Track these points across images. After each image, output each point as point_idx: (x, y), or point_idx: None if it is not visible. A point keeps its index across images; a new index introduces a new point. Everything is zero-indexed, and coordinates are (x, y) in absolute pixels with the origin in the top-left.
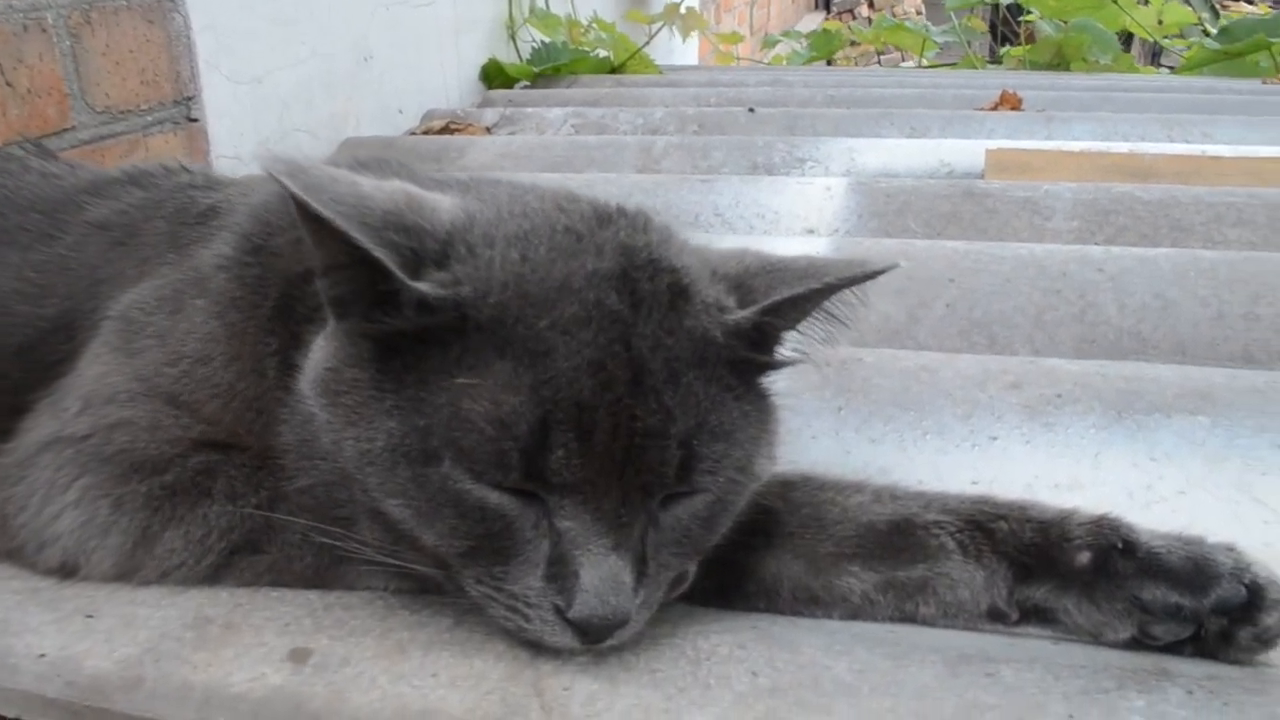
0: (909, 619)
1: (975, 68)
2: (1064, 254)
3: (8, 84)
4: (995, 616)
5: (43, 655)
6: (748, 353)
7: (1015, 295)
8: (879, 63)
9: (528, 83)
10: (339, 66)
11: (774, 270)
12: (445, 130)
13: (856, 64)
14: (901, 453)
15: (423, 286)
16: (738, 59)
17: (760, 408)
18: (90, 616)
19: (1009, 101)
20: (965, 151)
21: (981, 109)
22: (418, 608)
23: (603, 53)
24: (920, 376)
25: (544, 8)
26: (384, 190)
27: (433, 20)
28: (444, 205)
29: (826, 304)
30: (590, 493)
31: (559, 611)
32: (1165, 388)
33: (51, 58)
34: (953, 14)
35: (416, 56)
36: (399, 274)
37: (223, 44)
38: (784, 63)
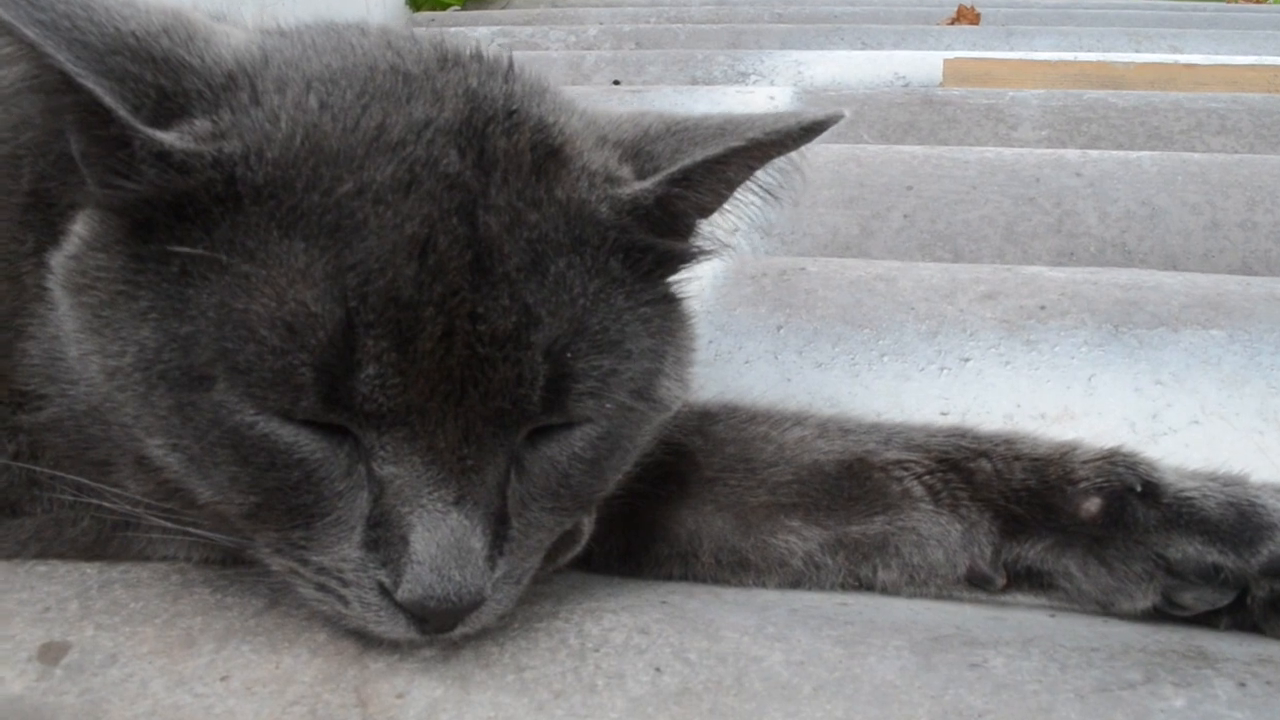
0: (865, 586)
1: None
2: (1035, 158)
3: None
4: (977, 582)
5: None
6: (647, 236)
7: (982, 204)
8: None
9: (459, 7)
10: None
11: (681, 131)
12: None
13: None
14: (854, 379)
15: (163, 136)
16: None
17: (666, 313)
18: None
19: (966, 16)
20: (921, 63)
21: (938, 25)
22: (223, 585)
23: None
24: (875, 288)
25: None
26: (137, 8)
27: None
28: (231, 40)
29: (756, 174)
30: (419, 425)
31: (384, 591)
32: (1169, 297)
33: None
34: None
35: None
36: (121, 113)
37: None
38: None
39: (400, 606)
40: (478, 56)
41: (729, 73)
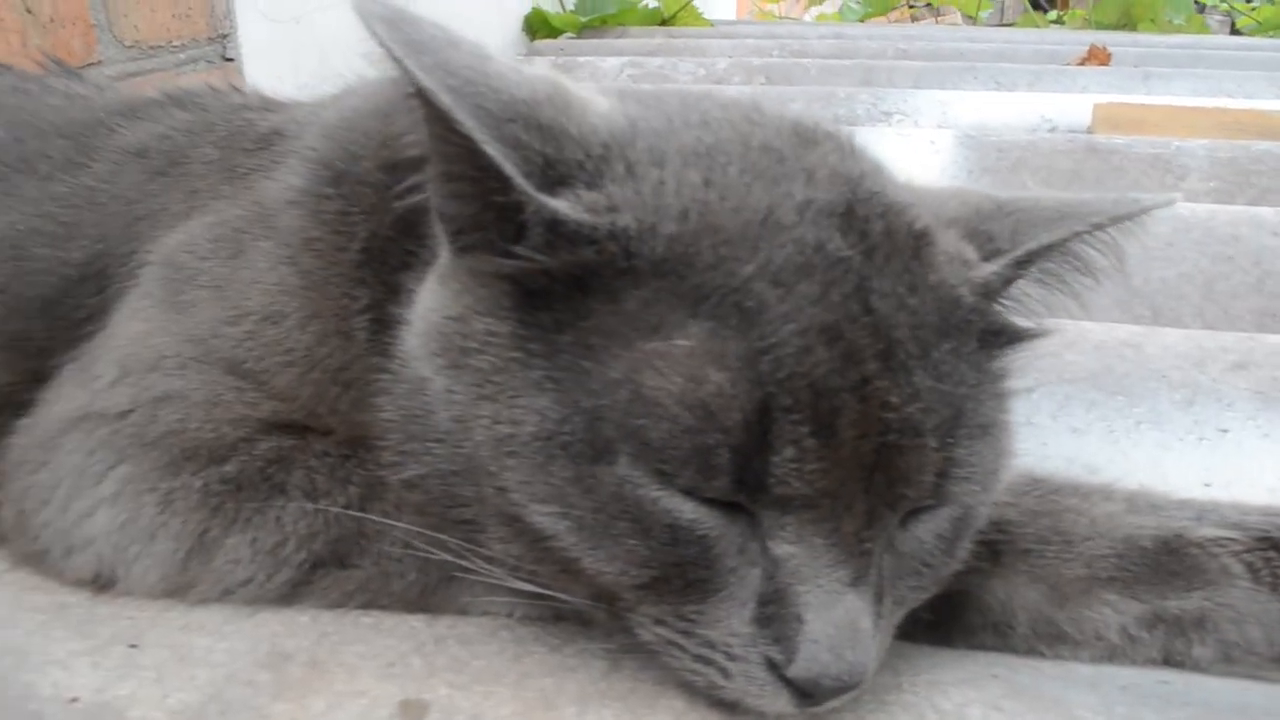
0: (1176, 663)
1: (1036, 26)
2: (1229, 215)
3: (28, 10)
4: None
5: (74, 700)
6: (999, 318)
7: (1179, 261)
8: (937, 21)
9: (573, 34)
10: None
11: (1015, 211)
12: None
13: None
14: (1113, 446)
15: (557, 205)
16: (779, 16)
17: (1005, 393)
18: (134, 647)
19: (1097, 56)
20: (1068, 106)
21: (1069, 64)
22: (555, 644)
23: (651, 3)
24: (1123, 354)
25: None
26: (521, 74)
27: None
28: (598, 106)
29: (1082, 253)
30: (828, 509)
31: (773, 667)
32: None
33: None
34: None
35: (458, 5)
36: (520, 181)
37: None
38: (827, 21)
39: (787, 682)
40: (828, 133)
41: (872, 112)
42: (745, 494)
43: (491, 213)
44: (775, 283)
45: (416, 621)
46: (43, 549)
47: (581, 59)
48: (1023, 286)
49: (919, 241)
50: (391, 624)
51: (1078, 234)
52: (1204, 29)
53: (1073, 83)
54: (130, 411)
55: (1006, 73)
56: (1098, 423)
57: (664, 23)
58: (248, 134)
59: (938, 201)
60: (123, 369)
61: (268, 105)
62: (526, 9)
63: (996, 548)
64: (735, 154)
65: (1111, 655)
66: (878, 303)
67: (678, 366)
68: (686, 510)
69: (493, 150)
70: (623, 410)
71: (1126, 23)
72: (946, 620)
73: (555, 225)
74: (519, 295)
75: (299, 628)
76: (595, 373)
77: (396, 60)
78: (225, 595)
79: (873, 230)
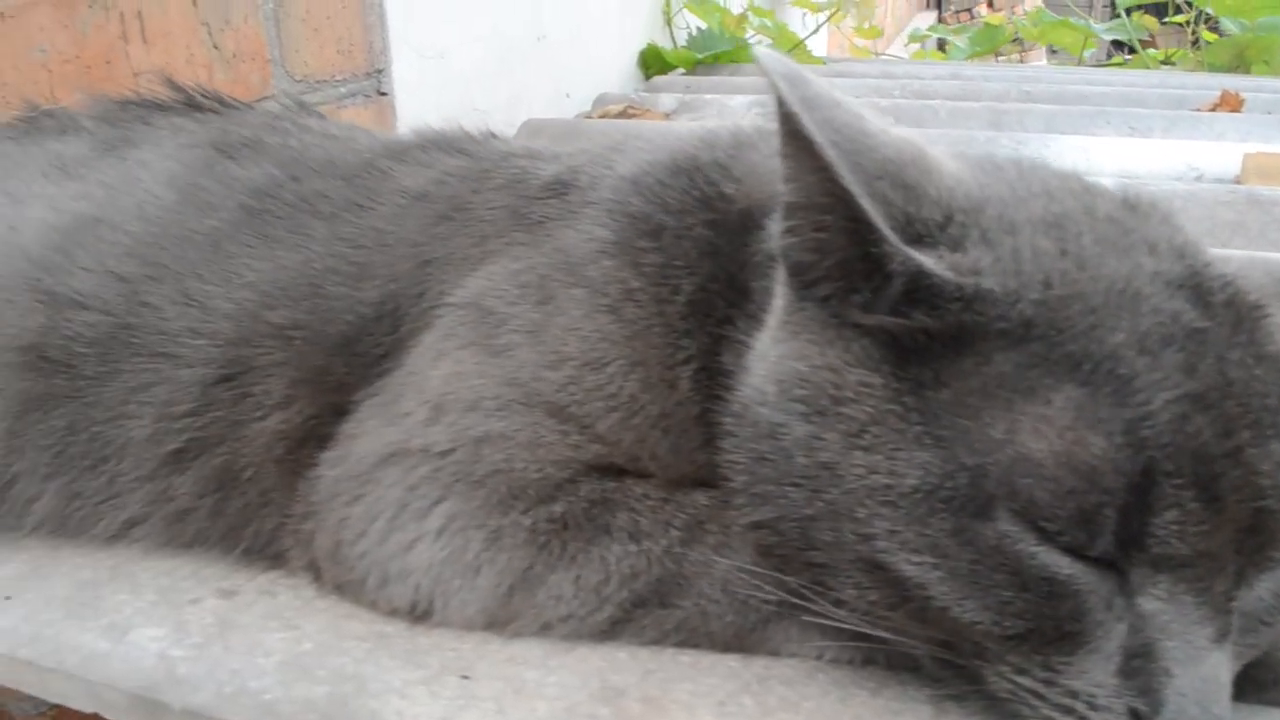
0: None
1: (1147, 68)
2: None
3: (215, 46)
4: None
5: None
6: None
7: None
8: (1023, 58)
9: (684, 70)
10: (517, 45)
11: None
12: (623, 115)
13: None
14: None
15: (924, 259)
16: (875, 54)
17: None
18: (466, 678)
19: (1229, 102)
20: (1209, 153)
21: (1200, 109)
22: (873, 687)
23: (766, 41)
24: None
25: None
26: (889, 134)
27: (597, 1)
28: (951, 169)
29: None
30: (1202, 569)
31: (1136, 716)
32: None
33: (256, 20)
34: (1124, 12)
35: (584, 39)
36: (890, 235)
37: (411, 16)
38: (925, 59)
39: None
40: (1151, 202)
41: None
42: (1122, 553)
43: (855, 265)
44: (1143, 351)
45: (734, 661)
46: (359, 578)
47: (708, 96)
48: None
49: (1257, 313)
50: (710, 663)
51: None
52: None
53: (1209, 129)
54: (452, 450)
55: (1140, 118)
56: None
57: None
58: (528, 181)
59: (1244, 270)
60: (437, 408)
61: (529, 153)
62: (642, 45)
63: None
64: (1084, 224)
65: None
66: (1234, 373)
67: (1057, 429)
68: (1064, 566)
69: (867, 204)
70: (1004, 469)
71: (1239, 65)
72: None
73: (919, 279)
74: (889, 349)
75: (620, 664)
76: (975, 431)
77: (793, 115)
78: (544, 630)
79: (1216, 302)
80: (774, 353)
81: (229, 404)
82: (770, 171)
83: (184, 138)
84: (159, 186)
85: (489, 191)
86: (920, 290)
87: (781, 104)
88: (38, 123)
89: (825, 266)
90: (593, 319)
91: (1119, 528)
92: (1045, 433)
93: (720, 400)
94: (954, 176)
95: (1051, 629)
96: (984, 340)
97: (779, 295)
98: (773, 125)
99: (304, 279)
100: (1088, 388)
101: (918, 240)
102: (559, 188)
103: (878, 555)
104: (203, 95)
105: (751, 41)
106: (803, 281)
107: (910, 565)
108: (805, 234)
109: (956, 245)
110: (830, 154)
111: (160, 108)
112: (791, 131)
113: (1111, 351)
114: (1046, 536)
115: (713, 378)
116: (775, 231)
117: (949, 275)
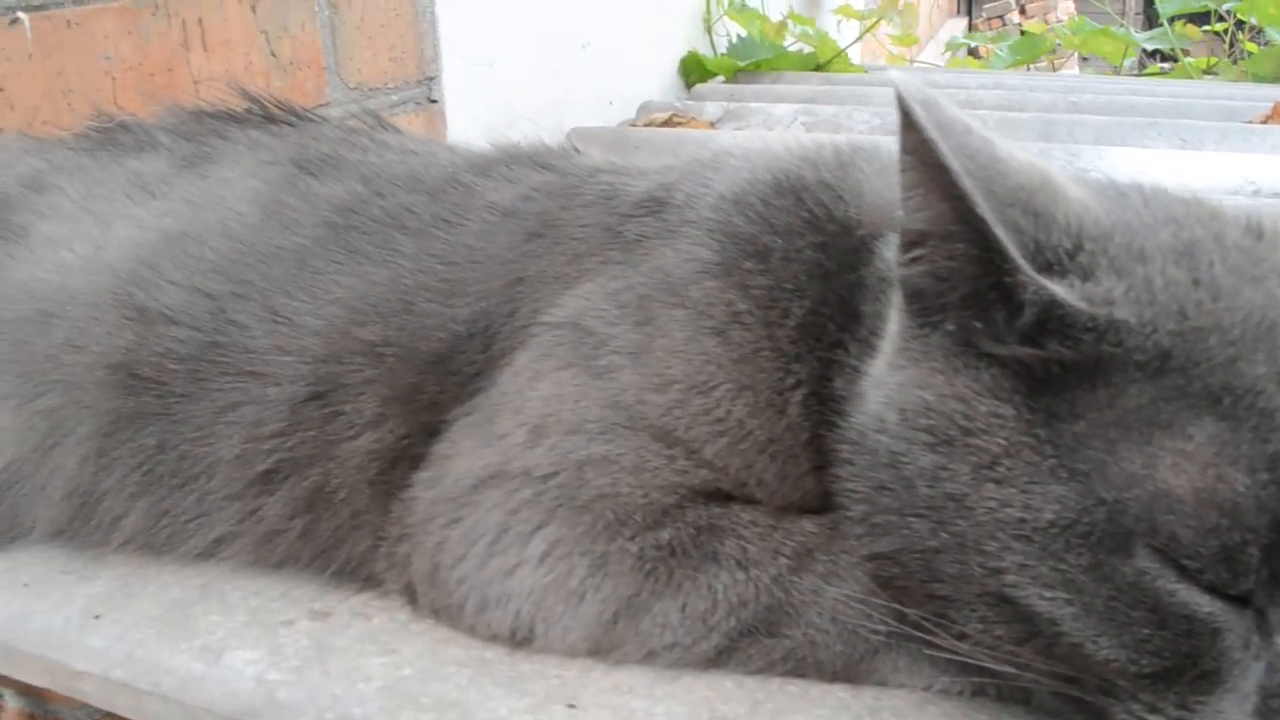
0: None
1: (1190, 78)
2: None
3: (273, 54)
4: None
5: None
6: None
7: None
8: (1055, 66)
9: (724, 78)
10: (561, 52)
11: None
12: (668, 123)
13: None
14: None
15: (1057, 289)
16: (910, 61)
17: None
18: (573, 707)
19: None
20: (1265, 166)
21: (1251, 121)
22: (984, 718)
23: (806, 49)
24: None
25: (740, 1)
26: (1018, 160)
27: (639, 8)
28: (1074, 194)
29: None
30: None
31: None
32: None
33: (312, 28)
34: (1166, 21)
35: (626, 46)
36: (1023, 264)
37: (461, 24)
38: (960, 66)
39: None
40: (1273, 228)
41: (1069, 170)
42: (1261, 590)
43: (985, 294)
44: None
45: (842, 692)
46: (458, 603)
47: (753, 105)
48: None
49: None
50: (819, 693)
51: None
52: None
53: (1263, 141)
54: (555, 474)
55: (1192, 130)
56: None
57: (818, 68)
58: (620, 198)
59: None
60: (537, 430)
61: (615, 168)
62: (683, 52)
63: None
64: (1215, 253)
65: None
66: None
67: (1198, 465)
68: (1204, 604)
69: (1001, 234)
70: (1144, 504)
71: None
72: None
73: (1052, 309)
74: (1020, 379)
75: (728, 693)
76: (1112, 465)
77: (929, 142)
78: (648, 658)
79: None
80: (893, 379)
81: (319, 423)
82: (875, 192)
83: (263, 154)
84: (242, 204)
85: (579, 208)
86: (1052, 320)
87: (917, 131)
88: (113, 137)
89: (952, 295)
90: (698, 341)
91: (1264, 566)
92: (1186, 468)
93: (831, 426)
94: (1081, 203)
95: (1189, 667)
96: (1119, 372)
97: (894, 320)
98: (885, 144)
99: (394, 295)
100: (1228, 422)
101: (1047, 268)
102: (653, 205)
103: (1007, 589)
104: (277, 106)
105: (790, 49)
106: (925, 308)
107: (1043, 601)
108: (932, 262)
109: (1087, 274)
110: (966, 183)
111: (235, 119)
112: (924, 160)
113: (1252, 385)
114: (1187, 574)
115: (822, 403)
116: (893, 258)
117: (1082, 306)
